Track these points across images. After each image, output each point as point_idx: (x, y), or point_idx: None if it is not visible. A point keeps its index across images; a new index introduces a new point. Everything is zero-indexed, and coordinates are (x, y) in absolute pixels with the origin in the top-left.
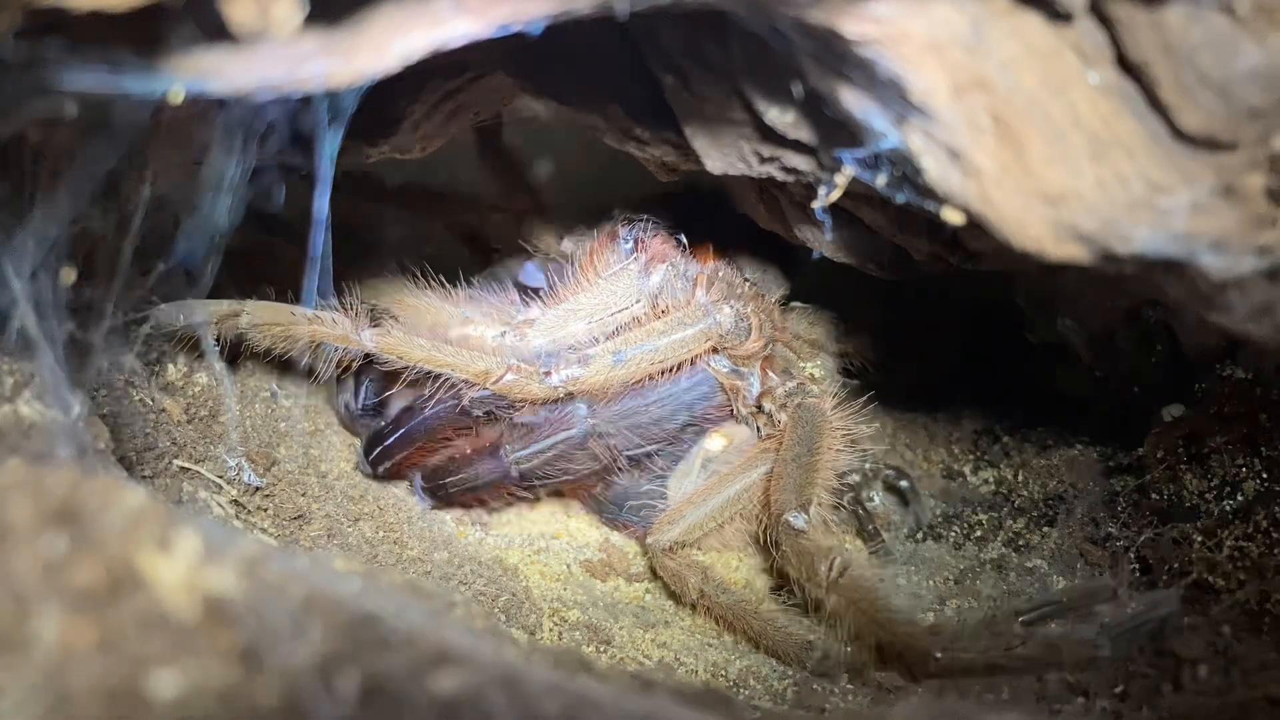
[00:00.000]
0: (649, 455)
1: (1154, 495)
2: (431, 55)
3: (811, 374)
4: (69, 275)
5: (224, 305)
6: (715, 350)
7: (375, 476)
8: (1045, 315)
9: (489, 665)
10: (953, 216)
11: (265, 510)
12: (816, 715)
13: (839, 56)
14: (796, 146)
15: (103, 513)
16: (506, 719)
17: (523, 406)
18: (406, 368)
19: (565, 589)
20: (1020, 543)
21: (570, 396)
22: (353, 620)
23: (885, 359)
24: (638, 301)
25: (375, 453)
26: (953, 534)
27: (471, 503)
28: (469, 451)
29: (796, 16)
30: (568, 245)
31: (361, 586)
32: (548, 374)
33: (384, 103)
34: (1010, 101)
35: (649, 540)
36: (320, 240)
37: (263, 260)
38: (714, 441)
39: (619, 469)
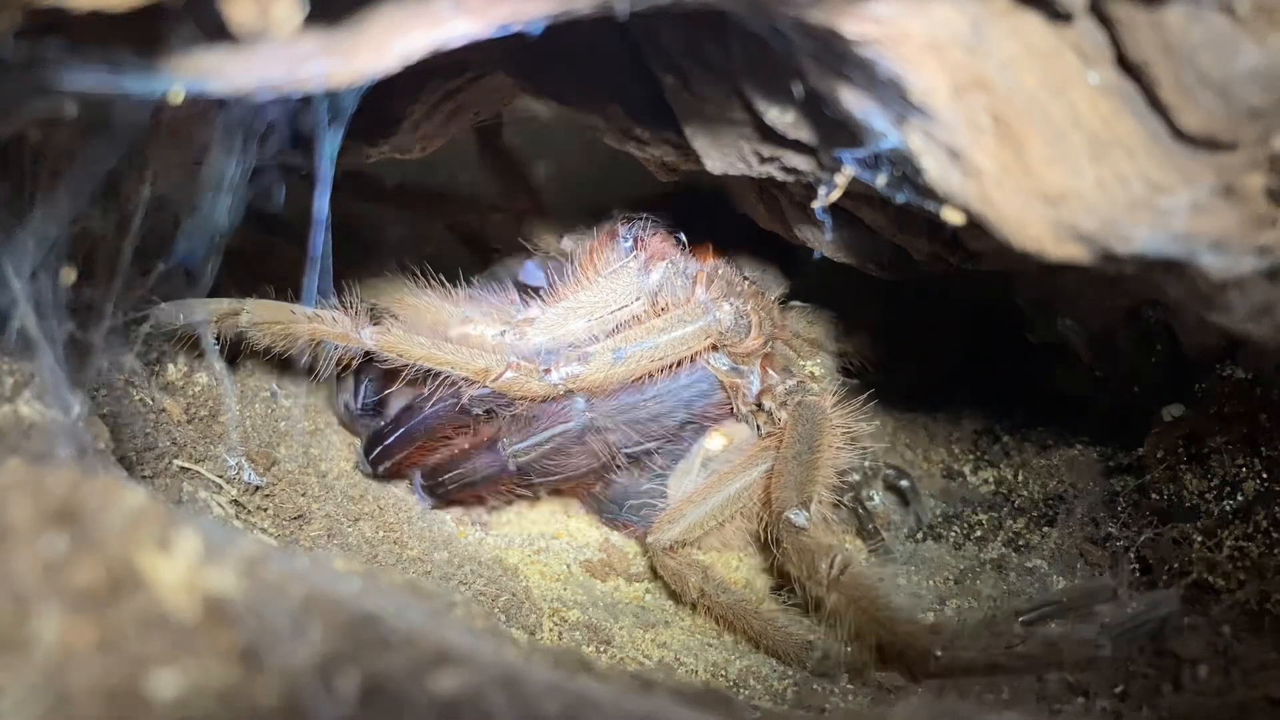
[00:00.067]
0: (648, 453)
1: (1154, 495)
2: (431, 55)
3: (811, 372)
4: (69, 275)
5: (224, 304)
6: (715, 348)
7: (375, 476)
8: (1045, 315)
9: (489, 665)
10: (953, 216)
11: (265, 510)
12: (816, 715)
13: (839, 56)
14: (796, 146)
15: (103, 513)
16: (506, 719)
17: (522, 404)
18: (406, 366)
19: (565, 589)
20: (1020, 543)
21: (570, 394)
22: (353, 620)
23: (885, 359)
24: (637, 299)
25: (375, 452)
26: (953, 534)
27: (470, 500)
28: (467, 448)
29: (796, 16)
30: (567, 244)
31: (361, 586)
32: (548, 371)
33: (384, 103)
34: (1010, 101)
35: (649, 539)
36: (320, 240)
37: (263, 260)
38: (714, 440)
39: (617, 467)
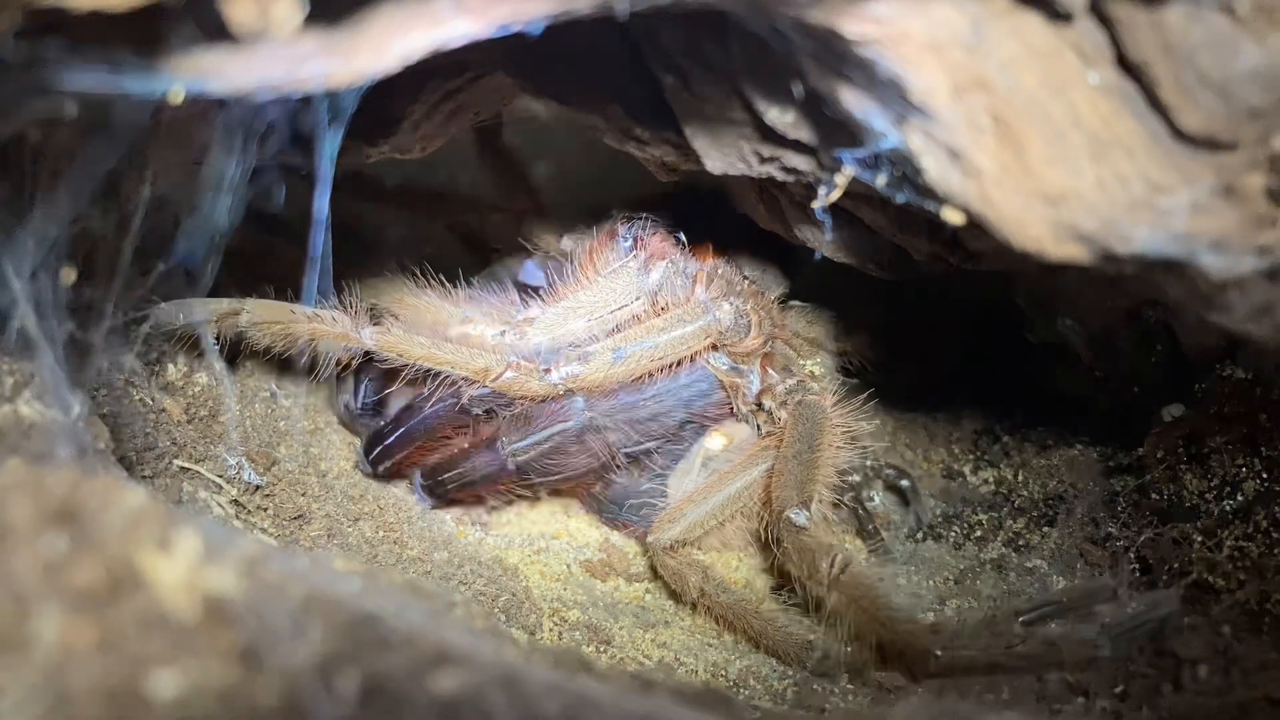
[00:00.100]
0: (648, 453)
1: (1154, 495)
2: (431, 55)
3: (811, 372)
4: (69, 275)
5: (224, 304)
6: (715, 347)
7: (375, 475)
8: (1045, 315)
9: (489, 665)
10: (953, 216)
11: (265, 510)
12: (816, 715)
13: (839, 56)
14: (796, 146)
15: (103, 513)
16: (506, 719)
17: (522, 404)
18: (406, 366)
19: (565, 589)
20: (1020, 543)
21: (570, 393)
22: (353, 620)
23: (885, 359)
24: (637, 299)
25: (375, 452)
26: (953, 534)
27: (470, 500)
28: (467, 447)
29: (796, 16)
30: (567, 244)
31: (361, 586)
32: (548, 371)
33: (384, 103)
34: (1010, 101)
35: (649, 538)
36: (320, 240)
37: (263, 260)
38: (714, 439)
39: (617, 466)
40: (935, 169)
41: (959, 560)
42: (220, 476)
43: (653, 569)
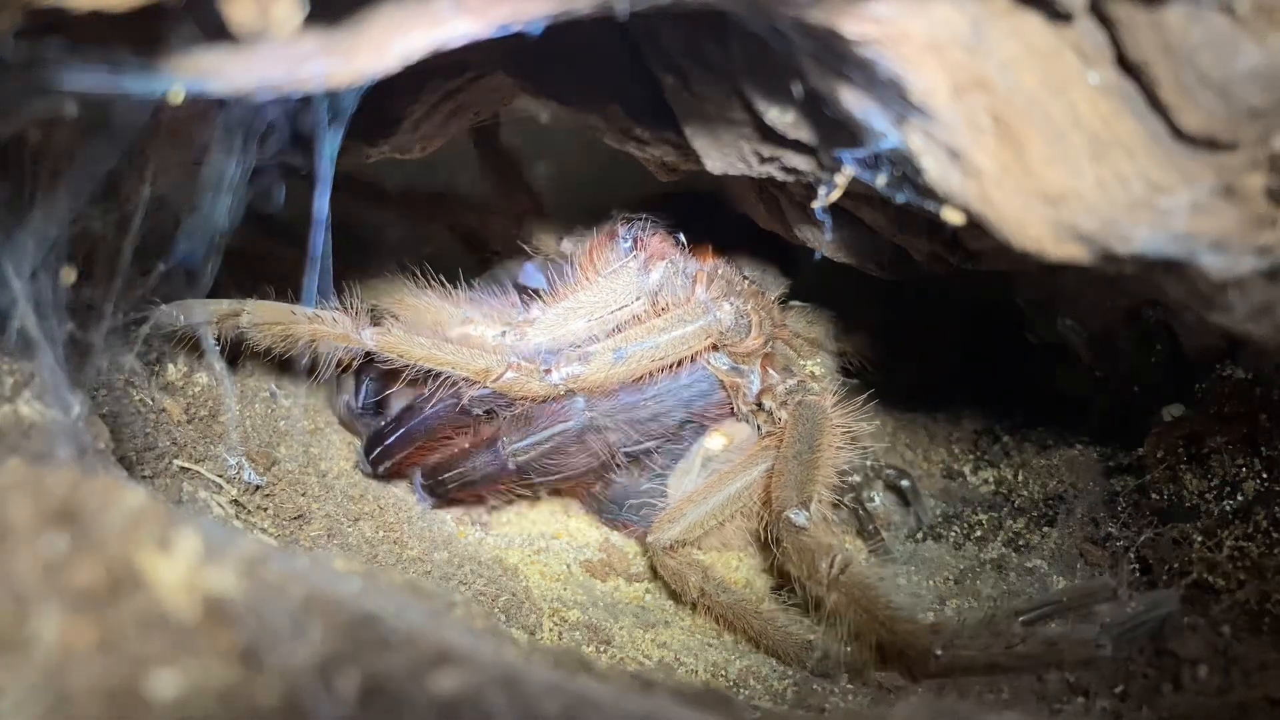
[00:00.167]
0: (648, 453)
1: (1154, 495)
2: (431, 55)
3: (811, 372)
4: (69, 275)
5: (224, 305)
6: (715, 347)
7: (376, 476)
8: (1045, 315)
9: (489, 665)
10: (953, 216)
11: (265, 510)
12: (816, 715)
13: (839, 56)
14: (796, 146)
15: (103, 513)
16: (506, 719)
17: (523, 404)
18: (407, 366)
19: (565, 589)
20: (1020, 543)
21: (571, 394)
22: (353, 620)
23: (885, 359)
24: (637, 299)
25: (376, 452)
26: (953, 534)
27: (470, 499)
28: (468, 447)
29: (796, 16)
30: (567, 246)
31: (361, 586)
32: (548, 371)
33: (384, 103)
34: (1010, 101)
35: (649, 538)
36: (320, 240)
37: (263, 260)
38: (714, 439)
39: (617, 466)
40: (935, 169)
41: (959, 560)
42: (220, 476)
43: (653, 569)
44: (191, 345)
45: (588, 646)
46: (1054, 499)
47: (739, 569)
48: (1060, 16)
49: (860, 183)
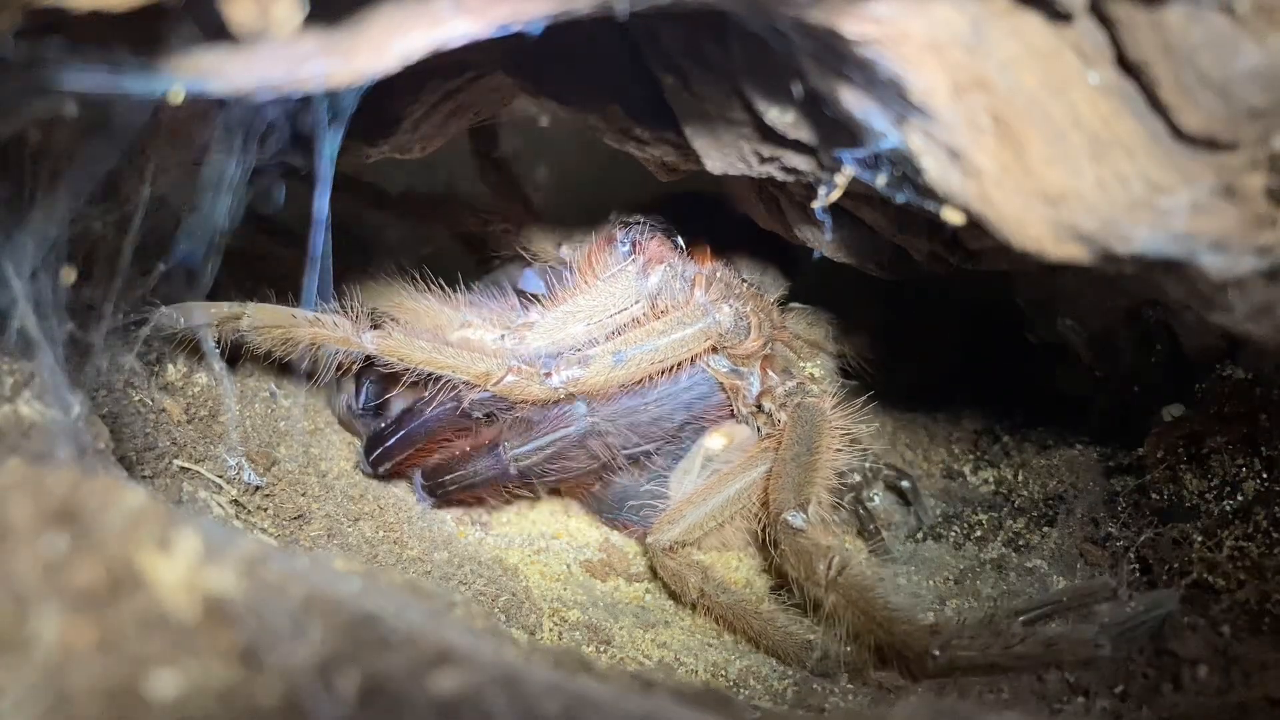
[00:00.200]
0: (648, 454)
1: (1154, 495)
2: (431, 55)
3: (811, 373)
4: (69, 275)
5: (225, 308)
6: (715, 350)
7: (376, 476)
8: (1045, 315)
9: (489, 665)
10: (953, 216)
11: (265, 510)
12: (816, 715)
13: (839, 56)
14: (796, 146)
15: (103, 513)
16: (506, 719)
17: (523, 408)
18: (407, 370)
19: (565, 589)
20: (1020, 543)
21: (571, 397)
22: (353, 620)
23: (885, 359)
24: (636, 302)
25: (376, 453)
26: (953, 534)
27: (471, 501)
28: (468, 450)
29: (796, 16)
30: (565, 252)
31: (361, 586)
32: (548, 375)
33: (384, 103)
34: (1010, 101)
35: (649, 539)
36: (320, 240)
37: (263, 260)
38: (714, 441)
39: (618, 467)
40: (935, 169)
41: (959, 560)
42: (220, 476)
43: (652, 569)
44: (191, 346)
45: (588, 646)
46: (1054, 499)
47: (739, 569)
48: (1060, 16)
49: (860, 183)
